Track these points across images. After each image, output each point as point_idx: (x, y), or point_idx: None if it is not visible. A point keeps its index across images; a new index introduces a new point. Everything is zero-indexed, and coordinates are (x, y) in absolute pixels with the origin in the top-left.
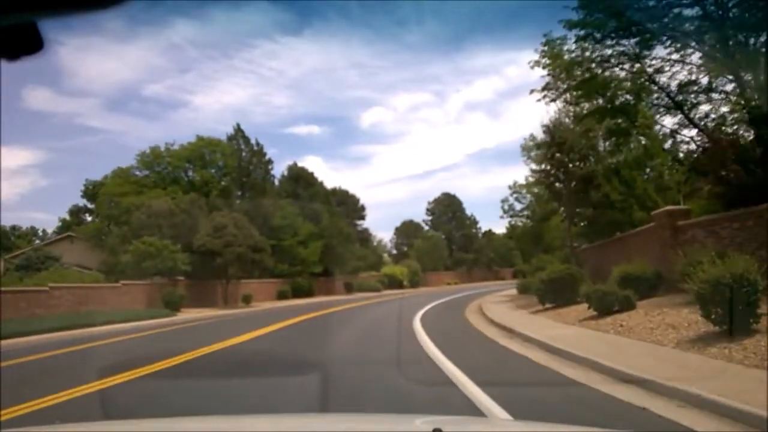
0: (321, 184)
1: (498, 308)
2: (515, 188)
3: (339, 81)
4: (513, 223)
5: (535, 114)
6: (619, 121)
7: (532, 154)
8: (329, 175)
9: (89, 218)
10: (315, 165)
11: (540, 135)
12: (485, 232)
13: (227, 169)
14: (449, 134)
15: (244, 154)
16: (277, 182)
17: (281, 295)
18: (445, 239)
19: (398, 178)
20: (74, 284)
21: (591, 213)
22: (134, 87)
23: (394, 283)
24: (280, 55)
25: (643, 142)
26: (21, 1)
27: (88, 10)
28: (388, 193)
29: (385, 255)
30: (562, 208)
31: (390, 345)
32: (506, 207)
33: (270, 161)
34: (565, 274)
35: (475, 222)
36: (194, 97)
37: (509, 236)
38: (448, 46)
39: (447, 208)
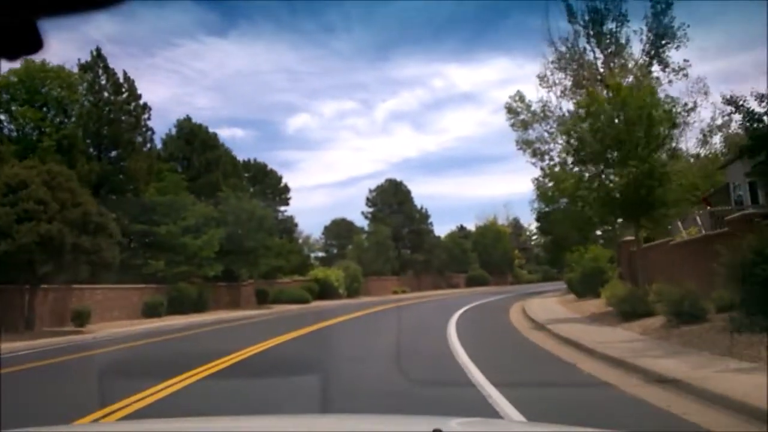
0: (227, 150)
1: None
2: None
3: (264, 84)
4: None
5: (460, 125)
6: None
7: None
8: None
9: None
10: None
11: None
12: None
13: (75, 109)
14: (375, 143)
15: (106, 94)
16: (160, 143)
17: (150, 310)
18: (393, 237)
19: (323, 185)
20: None
21: None
22: None
23: (326, 291)
24: (204, 55)
25: None
26: (21, 1)
27: (88, 10)
28: (313, 200)
29: (313, 256)
30: None
31: None
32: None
33: (146, 107)
34: None
35: (425, 215)
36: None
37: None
38: (375, 55)
39: (392, 197)
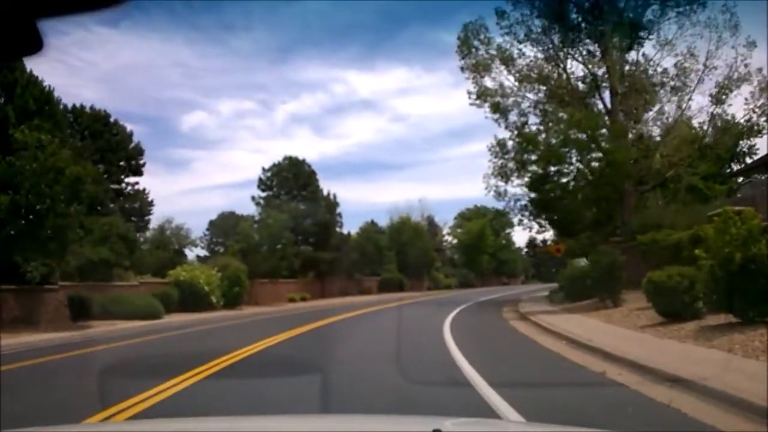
0: (34, 80)
1: None
2: None
3: (158, 79)
4: None
5: (359, 131)
6: None
7: None
8: (143, 179)
9: None
10: None
11: None
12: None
13: None
14: (274, 144)
15: None
16: None
17: None
18: (293, 229)
19: (219, 185)
20: None
21: None
22: None
23: (192, 298)
24: (93, 45)
25: None
26: (21, 1)
27: (88, 10)
28: (207, 201)
29: (195, 255)
30: None
31: None
32: None
33: None
34: None
35: (334, 203)
36: None
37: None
38: (275, 56)
39: (293, 180)
